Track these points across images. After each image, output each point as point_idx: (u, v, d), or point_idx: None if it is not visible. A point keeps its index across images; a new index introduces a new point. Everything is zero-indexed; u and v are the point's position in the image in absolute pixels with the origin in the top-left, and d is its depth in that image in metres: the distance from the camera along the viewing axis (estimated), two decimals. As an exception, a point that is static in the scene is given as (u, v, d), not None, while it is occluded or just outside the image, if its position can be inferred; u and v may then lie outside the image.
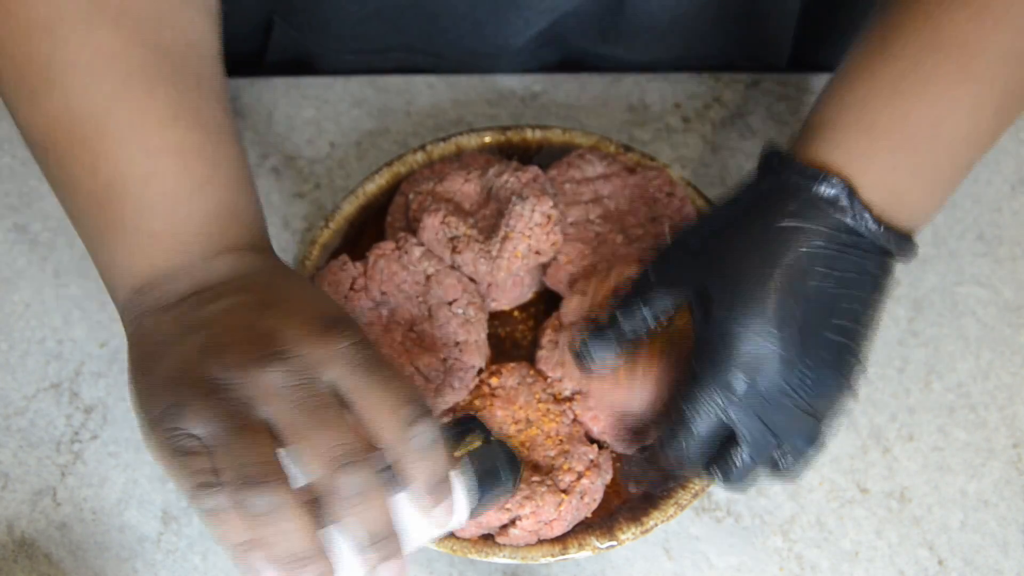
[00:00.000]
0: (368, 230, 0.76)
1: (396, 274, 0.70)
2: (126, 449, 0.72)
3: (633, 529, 0.66)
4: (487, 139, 0.78)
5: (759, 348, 0.56)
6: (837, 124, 0.60)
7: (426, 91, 0.85)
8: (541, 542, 0.65)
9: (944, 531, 0.70)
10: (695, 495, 0.67)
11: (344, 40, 0.85)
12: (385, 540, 0.48)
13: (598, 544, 0.66)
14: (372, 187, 0.77)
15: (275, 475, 0.46)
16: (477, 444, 0.56)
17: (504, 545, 0.65)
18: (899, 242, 0.58)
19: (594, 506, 0.66)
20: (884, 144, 0.58)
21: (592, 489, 0.66)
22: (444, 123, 0.83)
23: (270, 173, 0.82)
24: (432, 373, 0.68)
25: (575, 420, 0.69)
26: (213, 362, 0.48)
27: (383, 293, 0.70)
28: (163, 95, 0.57)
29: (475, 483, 0.55)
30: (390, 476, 0.49)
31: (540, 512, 0.64)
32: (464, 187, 0.73)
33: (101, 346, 0.75)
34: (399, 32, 0.83)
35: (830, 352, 0.57)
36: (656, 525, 0.66)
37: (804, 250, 0.57)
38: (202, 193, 0.56)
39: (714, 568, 0.69)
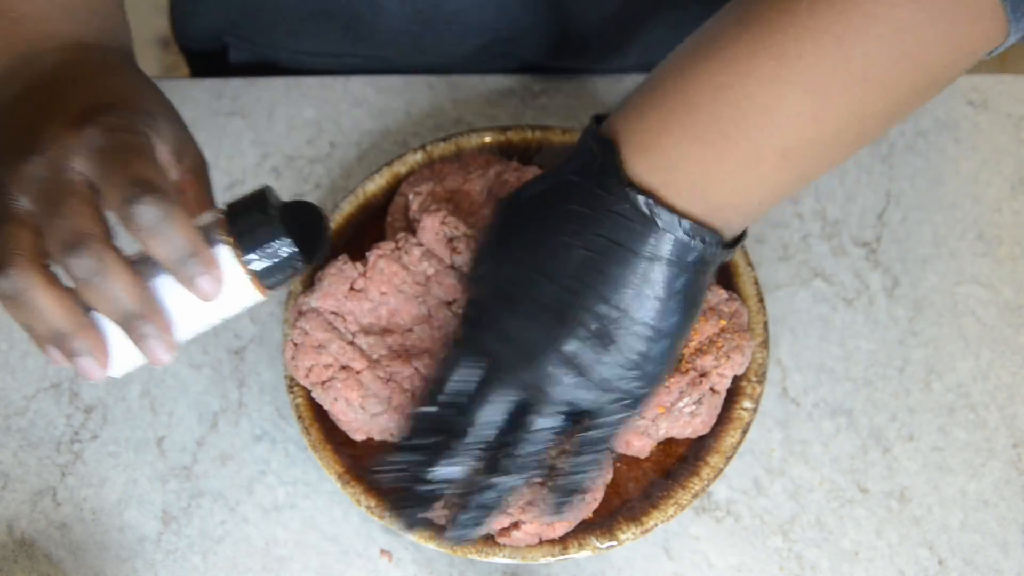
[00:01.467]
0: (368, 230, 0.76)
1: (396, 274, 0.70)
2: (126, 449, 0.72)
3: (633, 529, 0.66)
4: (487, 139, 0.78)
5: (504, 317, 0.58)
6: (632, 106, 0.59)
7: (426, 91, 0.85)
8: (541, 542, 0.65)
9: (944, 531, 0.70)
10: (695, 495, 0.67)
11: (298, 42, 0.85)
12: (142, 317, 0.50)
13: (598, 544, 0.66)
14: (372, 187, 0.77)
15: (27, 258, 0.48)
16: (257, 215, 0.52)
17: (504, 545, 0.65)
18: (673, 221, 0.56)
19: (595, 506, 0.66)
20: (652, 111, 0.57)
21: (592, 490, 0.66)
22: (444, 123, 0.83)
23: (270, 173, 0.82)
24: (432, 373, 0.68)
25: (575, 420, 0.69)
26: None
27: (383, 293, 0.70)
28: None
29: (251, 252, 0.52)
30: (141, 261, 0.51)
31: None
32: (464, 187, 0.73)
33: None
34: (348, 42, 0.84)
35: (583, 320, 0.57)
36: (656, 525, 0.66)
37: (564, 209, 0.57)
38: None
39: (714, 568, 0.69)
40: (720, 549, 0.69)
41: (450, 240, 0.70)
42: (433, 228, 0.70)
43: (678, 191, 0.56)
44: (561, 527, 0.65)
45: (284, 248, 0.52)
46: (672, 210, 0.56)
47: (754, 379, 0.69)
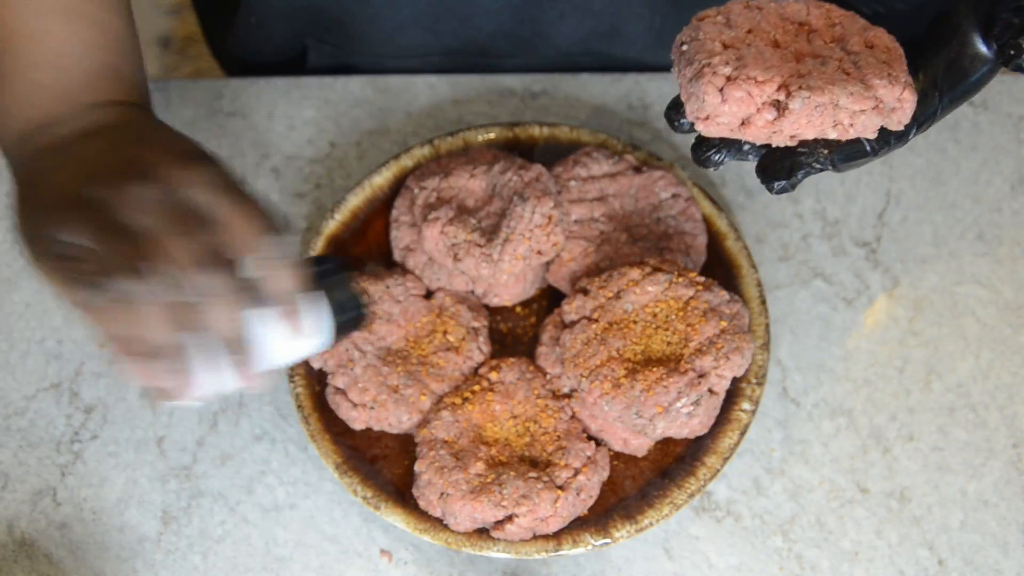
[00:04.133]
0: (374, 223, 0.77)
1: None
2: (126, 449, 0.72)
3: (628, 527, 0.66)
4: (493, 135, 0.78)
5: None
6: None
7: (426, 91, 0.85)
8: (536, 538, 0.66)
9: (944, 531, 0.70)
10: (691, 495, 0.67)
11: (383, 48, 0.86)
12: (234, 345, 0.52)
13: (592, 541, 0.66)
14: (379, 180, 0.77)
15: (123, 273, 0.49)
16: (335, 279, 0.59)
17: (499, 540, 0.65)
18: None
19: (590, 503, 0.67)
20: None
21: (588, 486, 0.66)
22: (444, 123, 0.83)
23: (270, 173, 0.82)
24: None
25: (573, 417, 0.69)
26: (89, 184, 0.52)
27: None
28: None
29: (331, 308, 0.58)
30: (241, 291, 0.52)
31: (536, 509, 0.64)
32: (469, 183, 0.73)
33: (101, 346, 0.75)
34: (437, 37, 0.84)
35: None
36: (651, 524, 0.66)
37: None
38: (88, 54, 0.63)
39: (714, 568, 0.69)
40: (720, 549, 0.69)
41: (451, 247, 0.70)
42: (433, 238, 0.70)
43: None
44: (555, 522, 0.65)
45: (357, 310, 0.60)
46: None
47: (754, 381, 0.69)
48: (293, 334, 0.55)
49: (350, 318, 0.60)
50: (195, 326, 0.50)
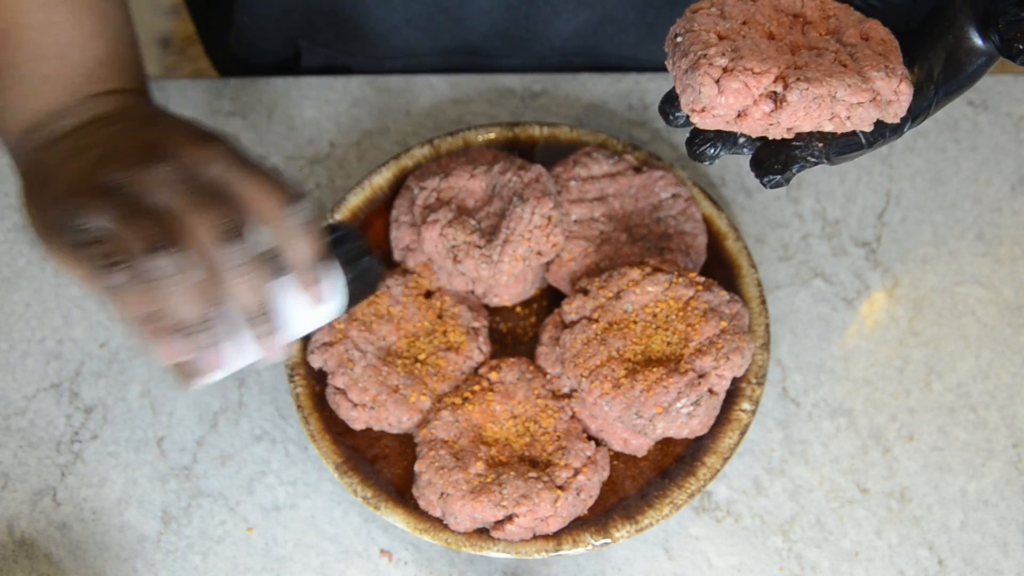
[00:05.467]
0: (374, 223, 0.77)
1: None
2: (126, 449, 0.72)
3: (628, 527, 0.66)
4: (493, 135, 0.78)
5: None
6: None
7: (426, 91, 0.85)
8: (536, 538, 0.66)
9: (944, 531, 0.70)
10: (691, 495, 0.67)
11: (377, 49, 0.86)
12: (261, 317, 0.53)
13: (592, 541, 0.66)
14: (379, 180, 0.77)
15: (145, 253, 0.49)
16: (350, 247, 0.59)
17: (499, 540, 0.65)
18: None
19: (590, 503, 0.67)
20: None
21: (588, 486, 0.66)
22: (444, 123, 0.83)
23: (270, 173, 0.82)
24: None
25: (573, 417, 0.69)
26: (105, 169, 0.53)
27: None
28: None
29: (343, 278, 0.58)
30: (262, 262, 0.53)
31: (536, 509, 0.64)
32: (469, 183, 0.73)
33: (101, 346, 0.75)
34: (431, 37, 0.84)
35: None
36: (651, 524, 0.66)
37: None
38: (90, 44, 0.63)
39: (714, 568, 0.69)
40: (720, 549, 0.69)
41: (450, 249, 0.70)
42: (432, 241, 0.70)
43: None
44: (555, 522, 0.65)
45: (372, 275, 0.60)
46: None
47: (754, 381, 0.69)
48: (314, 302, 0.56)
49: (365, 283, 0.60)
50: (221, 299, 0.51)
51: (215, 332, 0.52)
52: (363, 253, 0.59)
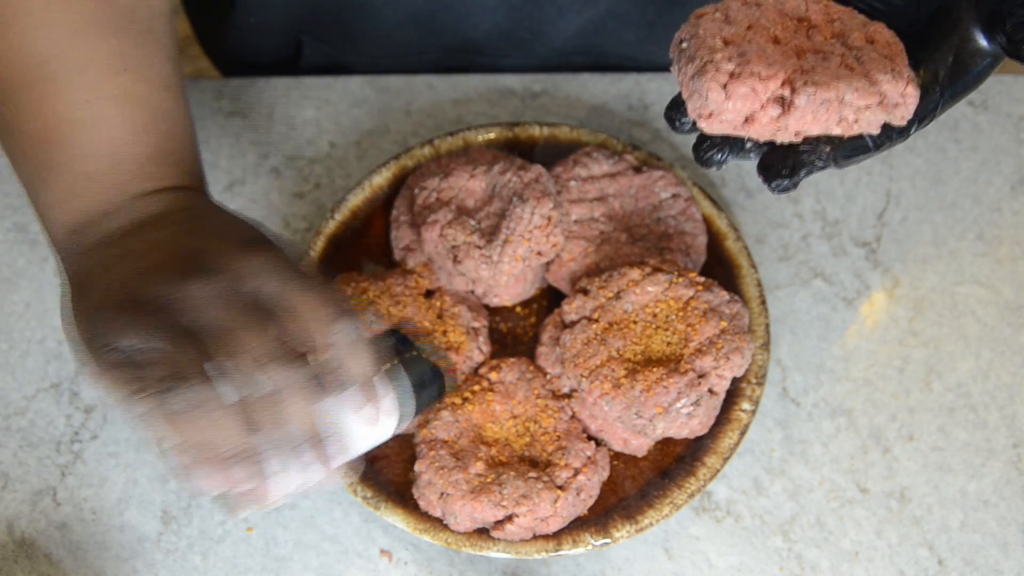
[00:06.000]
0: (374, 223, 0.77)
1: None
2: (126, 449, 0.72)
3: (628, 527, 0.66)
4: (493, 135, 0.78)
5: None
6: None
7: (426, 91, 0.85)
8: (536, 538, 0.66)
9: (944, 531, 0.70)
10: (691, 495, 0.67)
11: (380, 46, 0.86)
12: (312, 441, 0.49)
13: (592, 541, 0.66)
14: (379, 180, 0.77)
15: (196, 376, 0.46)
16: (411, 354, 0.56)
17: (499, 540, 0.65)
18: None
19: (590, 503, 0.67)
20: None
21: (588, 486, 0.66)
22: (444, 123, 0.83)
23: (270, 173, 0.82)
24: None
25: (573, 417, 0.69)
26: (142, 282, 0.50)
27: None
28: (112, 45, 0.59)
29: (406, 388, 0.55)
30: (318, 382, 0.49)
31: (536, 509, 0.64)
32: (469, 183, 0.73)
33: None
34: (433, 35, 0.84)
35: None
36: (651, 524, 0.66)
37: None
38: (141, 140, 0.59)
39: (714, 568, 0.69)
40: (720, 549, 0.69)
41: (450, 250, 0.70)
42: (432, 241, 0.71)
43: None
44: (555, 522, 0.65)
45: (438, 380, 0.57)
46: None
47: (754, 381, 0.69)
48: (374, 417, 0.52)
49: (431, 389, 0.57)
50: (273, 424, 0.47)
51: (265, 459, 0.48)
52: (426, 358, 0.56)
